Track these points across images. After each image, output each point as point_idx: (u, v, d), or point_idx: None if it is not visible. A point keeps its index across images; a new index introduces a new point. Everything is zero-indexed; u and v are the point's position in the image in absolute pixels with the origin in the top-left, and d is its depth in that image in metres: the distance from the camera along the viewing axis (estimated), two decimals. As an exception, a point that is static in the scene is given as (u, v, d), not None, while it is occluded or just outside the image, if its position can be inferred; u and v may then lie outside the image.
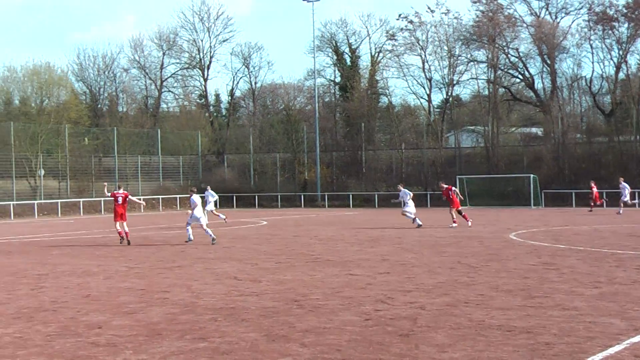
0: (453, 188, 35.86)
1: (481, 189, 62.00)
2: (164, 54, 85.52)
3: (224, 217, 40.12)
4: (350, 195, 65.19)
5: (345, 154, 74.16)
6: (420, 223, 34.68)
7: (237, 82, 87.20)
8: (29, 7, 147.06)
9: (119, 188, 30.05)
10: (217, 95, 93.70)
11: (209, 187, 41.23)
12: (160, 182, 72.04)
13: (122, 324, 11.90)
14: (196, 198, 28.61)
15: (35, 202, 60.23)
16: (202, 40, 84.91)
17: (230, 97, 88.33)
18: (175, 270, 19.27)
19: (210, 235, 27.63)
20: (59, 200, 61.49)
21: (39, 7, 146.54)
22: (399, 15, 73.50)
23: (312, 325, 11.48)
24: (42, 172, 64.11)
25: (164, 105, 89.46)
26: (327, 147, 74.73)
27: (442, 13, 71.95)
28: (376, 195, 63.87)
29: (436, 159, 68.45)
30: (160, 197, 67.61)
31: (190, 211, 28.62)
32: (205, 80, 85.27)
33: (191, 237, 28.16)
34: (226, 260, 21.36)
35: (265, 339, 10.54)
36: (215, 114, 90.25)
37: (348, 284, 16.08)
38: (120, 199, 28.61)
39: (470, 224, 34.53)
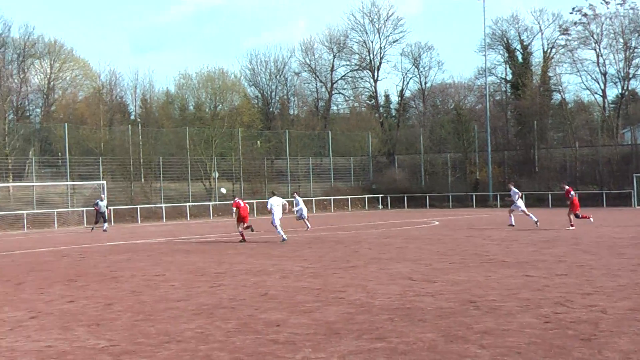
0: (572, 191, 34.95)
1: (661, 187, 59.70)
2: (334, 56, 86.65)
3: (309, 226, 38.83)
4: (523, 195, 63.71)
5: (517, 153, 72.90)
6: (512, 223, 35.87)
7: (407, 83, 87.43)
8: (203, 15, 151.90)
9: (235, 197, 35.51)
10: (387, 96, 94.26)
11: (296, 194, 40.85)
12: (332, 183, 72.85)
13: (300, 323, 12.08)
14: (273, 200, 31.83)
15: (210, 203, 62.08)
16: (372, 42, 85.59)
17: (400, 98, 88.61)
18: (350, 270, 19.41)
19: (282, 235, 30.57)
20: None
21: (213, 15, 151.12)
22: (573, 8, 71.90)
23: (489, 327, 11.32)
24: (217, 174, 65.98)
25: (334, 107, 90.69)
26: (498, 146, 73.64)
27: (618, 4, 69.55)
28: (550, 195, 62.41)
29: (612, 157, 66.27)
30: (332, 198, 68.41)
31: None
32: (375, 81, 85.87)
33: (284, 236, 30.77)
34: (400, 261, 21.35)
35: (443, 340, 10.47)
36: (385, 114, 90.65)
37: (524, 285, 15.77)
38: (242, 204, 32.57)
39: (592, 219, 35.22)
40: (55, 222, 51.25)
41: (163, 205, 58.82)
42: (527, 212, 35.98)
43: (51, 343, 11.27)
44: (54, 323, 12.92)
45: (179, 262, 23.29)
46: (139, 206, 57.12)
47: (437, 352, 9.72)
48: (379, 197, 71.28)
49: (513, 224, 35.84)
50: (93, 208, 46.76)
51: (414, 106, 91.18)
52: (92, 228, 45.33)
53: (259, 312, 13.18)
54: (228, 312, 13.37)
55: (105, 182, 54.08)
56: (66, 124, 60.89)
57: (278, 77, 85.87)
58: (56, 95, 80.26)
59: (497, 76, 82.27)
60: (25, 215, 51.64)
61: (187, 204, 60.37)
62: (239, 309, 13.59)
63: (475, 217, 47.47)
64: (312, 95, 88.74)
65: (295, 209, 38.68)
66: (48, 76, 78.48)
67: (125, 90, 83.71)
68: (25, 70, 77.21)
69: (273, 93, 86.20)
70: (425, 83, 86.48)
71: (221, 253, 26.06)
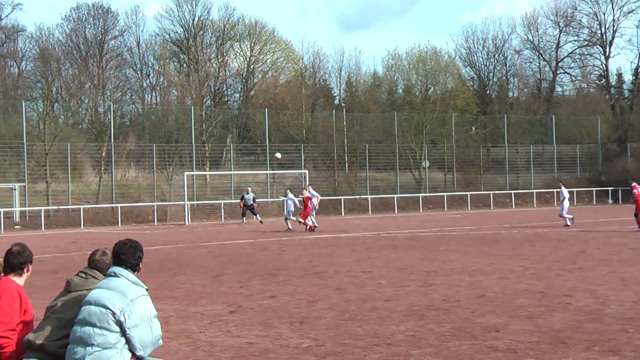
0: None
1: None
2: (560, 31, 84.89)
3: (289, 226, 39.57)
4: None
5: None
6: (569, 224, 37.72)
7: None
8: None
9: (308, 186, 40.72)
10: (620, 75, 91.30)
11: (289, 192, 41.54)
12: (555, 174, 71.36)
13: (522, 329, 11.92)
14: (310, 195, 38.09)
15: (420, 195, 62.14)
16: (604, 14, 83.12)
17: (634, 77, 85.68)
18: (576, 272, 18.97)
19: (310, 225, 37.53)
20: (445, 194, 62.96)
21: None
22: None
23: None
24: (427, 163, 66.02)
25: (559, 89, 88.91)
26: None
27: None
28: None
29: None
30: (555, 190, 66.87)
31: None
32: (607, 58, 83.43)
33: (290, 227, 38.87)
34: (634, 264, 20.66)
35: (686, 355, 10.08)
36: (617, 96, 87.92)
37: None
38: (312, 195, 38.08)
39: None
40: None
41: (369, 197, 59.37)
42: (564, 215, 38.50)
43: (252, 340, 11.67)
44: (255, 319, 13.36)
45: (386, 258, 23.51)
46: (342, 197, 57.95)
47: (679, 369, 9.38)
48: (608, 190, 69.17)
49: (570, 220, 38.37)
50: (240, 203, 49.25)
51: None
52: (242, 222, 48.23)
53: (475, 316, 13.12)
54: (441, 314, 13.38)
55: (307, 171, 55.19)
56: (266, 109, 62.64)
57: (496, 56, 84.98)
58: (256, 79, 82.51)
59: None
60: (222, 204, 53.54)
61: (395, 196, 60.68)
62: (453, 312, 13.58)
63: None
64: (534, 76, 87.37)
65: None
66: (248, 59, 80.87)
67: (330, 73, 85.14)
68: (224, 53, 79.93)
69: (490, 74, 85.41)
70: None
71: (432, 249, 26.08)
